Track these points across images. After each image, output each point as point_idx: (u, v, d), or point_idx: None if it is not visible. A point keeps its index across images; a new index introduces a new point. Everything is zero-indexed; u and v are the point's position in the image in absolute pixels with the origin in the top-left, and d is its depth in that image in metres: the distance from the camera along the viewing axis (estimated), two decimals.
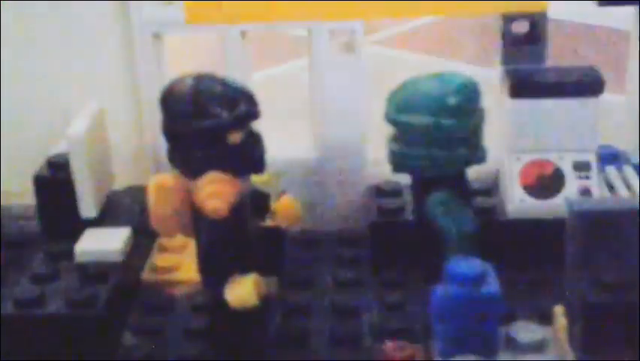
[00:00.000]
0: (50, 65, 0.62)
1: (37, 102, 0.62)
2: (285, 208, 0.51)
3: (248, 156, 0.47)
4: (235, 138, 0.46)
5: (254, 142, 0.48)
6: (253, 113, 0.47)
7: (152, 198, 0.47)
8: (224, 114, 0.46)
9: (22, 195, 0.60)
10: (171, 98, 0.47)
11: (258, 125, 0.48)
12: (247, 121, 0.47)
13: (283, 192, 0.50)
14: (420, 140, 0.51)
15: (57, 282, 0.53)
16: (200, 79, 0.47)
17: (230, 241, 0.47)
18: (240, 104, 0.46)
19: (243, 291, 0.47)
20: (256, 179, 0.50)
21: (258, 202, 0.49)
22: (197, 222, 0.47)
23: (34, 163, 0.58)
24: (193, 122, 0.46)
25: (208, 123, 0.46)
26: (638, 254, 0.42)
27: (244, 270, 0.48)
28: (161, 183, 0.47)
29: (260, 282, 0.48)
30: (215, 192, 0.46)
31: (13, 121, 0.62)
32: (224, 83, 0.47)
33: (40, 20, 0.61)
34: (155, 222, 0.48)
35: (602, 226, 0.42)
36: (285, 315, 0.54)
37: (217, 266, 0.48)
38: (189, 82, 0.46)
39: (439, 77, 0.52)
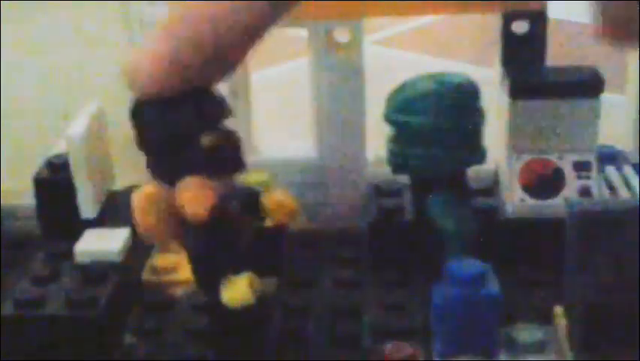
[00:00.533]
0: (50, 65, 0.62)
1: (37, 102, 0.62)
2: (276, 202, 0.50)
3: (223, 157, 0.46)
4: (208, 140, 0.46)
5: (228, 141, 0.47)
6: (222, 112, 0.46)
7: (136, 208, 0.47)
8: (193, 118, 0.45)
9: (22, 195, 0.60)
10: (138, 110, 0.46)
11: (230, 124, 0.47)
12: (218, 120, 0.46)
13: (268, 183, 0.50)
14: (419, 140, 0.51)
15: (57, 282, 0.53)
16: None
17: (218, 244, 0.47)
18: (207, 105, 0.46)
19: (237, 291, 0.47)
20: (251, 179, 0.50)
21: (248, 201, 0.48)
22: (183, 228, 0.47)
23: (34, 163, 0.58)
24: (162, 131, 0.45)
25: (177, 130, 0.45)
26: (638, 254, 0.42)
27: (237, 270, 0.48)
28: (144, 193, 0.47)
29: (254, 280, 0.47)
30: (193, 197, 0.45)
31: (13, 121, 0.62)
32: None
33: (40, 21, 0.61)
34: (142, 232, 0.47)
35: (602, 226, 0.42)
36: (284, 315, 0.54)
37: (208, 270, 0.48)
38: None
39: (439, 77, 0.52)
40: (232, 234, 0.47)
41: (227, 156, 0.47)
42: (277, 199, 0.50)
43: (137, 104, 0.46)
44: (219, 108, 0.46)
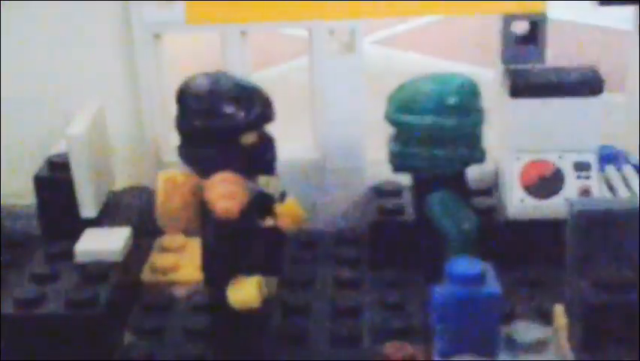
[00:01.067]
0: (50, 64, 0.62)
1: (37, 102, 0.62)
2: (290, 211, 0.50)
3: (260, 158, 0.47)
4: (249, 139, 0.46)
5: (266, 144, 0.48)
6: (268, 115, 0.47)
7: (160, 193, 0.47)
8: (240, 115, 0.46)
9: (22, 195, 0.60)
10: (188, 95, 0.47)
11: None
12: (262, 123, 0.47)
13: (284, 194, 0.50)
14: (420, 140, 0.51)
15: (57, 282, 0.53)
16: (217, 78, 0.47)
17: (237, 242, 0.47)
18: (255, 106, 0.47)
19: (246, 293, 0.47)
20: (266, 184, 0.50)
21: (262, 204, 0.49)
22: (205, 220, 0.47)
23: (35, 163, 0.58)
24: (208, 120, 0.46)
25: (223, 123, 0.46)
26: (639, 254, 0.42)
27: (248, 271, 0.48)
28: (171, 178, 0.47)
29: (263, 284, 0.48)
30: (227, 192, 0.45)
31: (13, 121, 0.62)
32: (240, 83, 0.47)
33: (40, 20, 0.61)
34: (161, 218, 0.48)
35: (602, 227, 0.42)
36: (284, 315, 0.54)
37: (221, 266, 0.48)
38: (206, 80, 0.46)
39: (439, 77, 0.52)
40: (250, 234, 0.48)
41: (261, 158, 0.47)
42: (290, 207, 0.50)
43: (184, 90, 0.46)
44: (266, 110, 0.47)
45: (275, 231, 0.50)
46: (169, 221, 0.48)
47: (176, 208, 0.47)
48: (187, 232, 0.50)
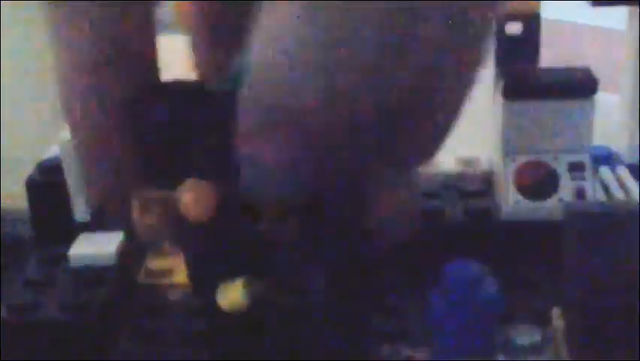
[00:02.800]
0: (44, 66, 0.62)
1: (31, 105, 0.62)
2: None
3: (228, 159, 0.46)
4: (213, 141, 0.46)
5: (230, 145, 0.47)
6: (228, 112, 0.46)
7: (135, 208, 0.47)
8: (200, 118, 0.45)
9: (16, 199, 0.59)
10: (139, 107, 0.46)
11: None
12: (222, 122, 0.46)
13: None
14: None
15: (51, 287, 0.52)
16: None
17: (218, 247, 0.47)
18: (214, 104, 0.46)
19: (233, 295, 0.47)
20: None
21: (250, 208, 0.48)
22: (182, 231, 0.47)
23: (30, 167, 0.58)
24: (170, 129, 0.45)
25: (185, 130, 0.45)
26: (637, 256, 0.42)
27: (234, 274, 0.47)
28: (141, 194, 0.47)
29: (250, 284, 0.47)
30: (194, 199, 0.45)
31: (8, 124, 0.62)
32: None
33: (34, 22, 0.61)
34: (140, 234, 0.47)
35: (600, 228, 0.42)
36: (279, 317, 0.54)
37: (205, 273, 0.47)
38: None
39: None
40: (232, 237, 0.47)
41: (232, 159, 0.46)
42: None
43: (142, 99, 0.46)
44: (227, 108, 0.46)
45: (262, 232, 0.50)
46: (147, 237, 0.47)
47: (150, 224, 0.47)
48: (170, 245, 0.49)
